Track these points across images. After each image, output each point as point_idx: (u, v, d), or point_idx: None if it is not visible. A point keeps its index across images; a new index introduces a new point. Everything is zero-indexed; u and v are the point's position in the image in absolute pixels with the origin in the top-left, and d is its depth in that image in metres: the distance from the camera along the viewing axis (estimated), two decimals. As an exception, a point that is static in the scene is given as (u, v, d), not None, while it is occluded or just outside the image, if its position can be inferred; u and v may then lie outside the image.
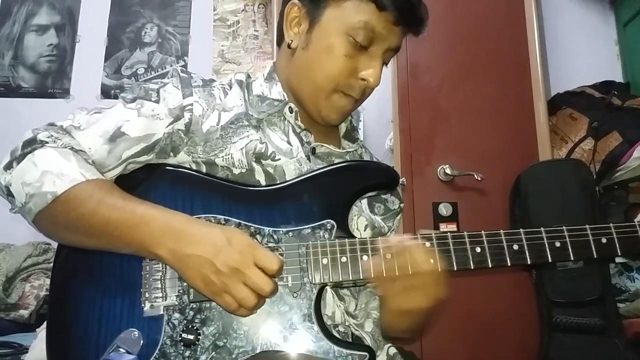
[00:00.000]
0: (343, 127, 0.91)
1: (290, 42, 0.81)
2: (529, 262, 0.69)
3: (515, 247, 0.69)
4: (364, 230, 0.82)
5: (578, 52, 1.97)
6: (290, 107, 0.82)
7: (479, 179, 1.42)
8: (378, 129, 1.93)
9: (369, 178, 0.76)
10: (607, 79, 1.83)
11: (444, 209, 1.49)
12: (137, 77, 2.20)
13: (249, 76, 0.87)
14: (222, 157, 0.75)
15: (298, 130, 0.82)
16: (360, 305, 0.82)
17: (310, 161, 0.79)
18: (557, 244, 0.69)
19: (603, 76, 1.84)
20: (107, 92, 2.16)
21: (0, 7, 2.26)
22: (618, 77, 1.94)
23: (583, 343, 1.39)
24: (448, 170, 1.50)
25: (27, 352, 1.41)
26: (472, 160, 1.52)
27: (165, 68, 2.20)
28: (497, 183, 1.51)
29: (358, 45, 0.76)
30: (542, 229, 0.70)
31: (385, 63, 0.81)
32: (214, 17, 2.24)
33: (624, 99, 1.68)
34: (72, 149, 0.70)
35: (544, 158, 1.55)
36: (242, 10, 2.24)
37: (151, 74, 2.20)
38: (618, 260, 1.60)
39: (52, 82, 2.20)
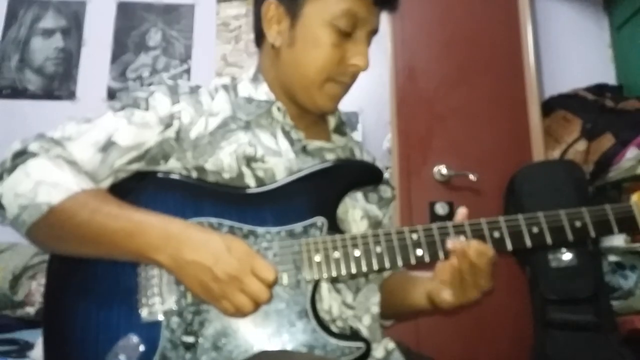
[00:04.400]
0: (332, 122, 0.91)
1: (273, 41, 0.81)
2: (509, 249, 0.71)
3: (497, 234, 0.71)
4: (360, 221, 0.82)
5: (572, 55, 1.98)
6: (277, 107, 0.82)
7: (474, 179, 1.44)
8: (376, 130, 1.96)
9: (355, 176, 0.78)
10: (601, 82, 1.84)
11: (441, 209, 1.52)
12: (142, 80, 2.23)
13: (233, 78, 0.87)
14: (212, 162, 0.75)
15: (287, 128, 0.82)
16: (360, 299, 0.83)
17: (299, 159, 0.80)
18: (535, 230, 0.71)
19: (596, 79, 1.86)
20: (112, 95, 2.18)
21: (6, 11, 2.29)
22: (611, 80, 1.95)
23: (577, 340, 1.40)
24: (444, 171, 1.52)
25: (33, 349, 1.44)
26: (468, 160, 1.54)
27: (170, 71, 2.23)
28: (492, 183, 1.53)
29: (342, 33, 0.77)
30: (519, 215, 0.71)
31: (369, 45, 0.82)
32: (216, 22, 2.26)
33: (617, 101, 1.70)
34: (64, 159, 0.69)
35: (538, 159, 1.57)
36: (244, 15, 2.26)
37: (156, 77, 2.23)
38: (612, 258, 1.63)
39: (59, 85, 2.23)
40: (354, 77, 0.83)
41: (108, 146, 0.72)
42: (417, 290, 0.80)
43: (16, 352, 1.48)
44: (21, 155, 0.67)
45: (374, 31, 0.82)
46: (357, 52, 0.78)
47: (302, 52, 0.79)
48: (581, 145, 1.64)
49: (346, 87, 0.83)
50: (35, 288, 1.76)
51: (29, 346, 1.48)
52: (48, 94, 2.21)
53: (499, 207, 1.54)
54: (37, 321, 1.71)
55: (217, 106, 0.80)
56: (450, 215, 1.51)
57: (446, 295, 0.73)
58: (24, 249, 1.79)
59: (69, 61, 2.25)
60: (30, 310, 1.74)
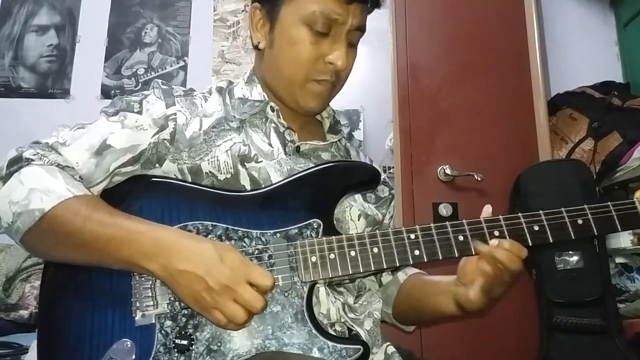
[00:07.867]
0: (327, 123, 0.93)
1: (257, 43, 0.84)
2: None
3: (496, 233, 0.71)
4: (358, 220, 0.83)
5: (578, 52, 1.97)
6: (271, 107, 0.84)
7: (479, 179, 1.42)
8: (378, 129, 1.93)
9: (352, 178, 0.78)
10: (607, 79, 1.82)
11: (444, 210, 1.49)
12: (137, 77, 2.20)
13: (230, 82, 0.89)
14: (208, 160, 0.76)
15: (282, 129, 0.84)
16: (363, 302, 0.84)
17: (290, 159, 0.81)
18: (536, 228, 0.71)
19: (603, 76, 1.84)
20: (107, 93, 2.17)
21: (0, 7, 2.27)
22: (618, 78, 1.94)
23: (583, 343, 1.39)
24: (448, 171, 1.50)
25: (27, 353, 1.41)
26: (472, 160, 1.52)
27: (166, 68, 2.20)
28: (497, 183, 1.51)
29: (318, 33, 0.78)
30: (520, 214, 0.71)
31: (353, 44, 0.83)
32: (214, 18, 2.24)
33: (624, 99, 1.68)
34: (58, 165, 0.70)
35: (544, 158, 1.54)
36: (242, 11, 2.24)
37: (151, 75, 2.20)
38: (618, 260, 1.61)
39: (52, 83, 2.20)
40: (338, 77, 0.83)
41: (103, 149, 0.73)
42: (444, 296, 0.79)
43: (10, 355, 1.46)
44: (16, 163, 0.68)
45: (357, 29, 0.82)
46: (333, 50, 0.79)
47: (280, 53, 0.81)
48: (588, 145, 1.61)
49: (330, 87, 0.83)
50: (29, 291, 1.74)
51: (22, 350, 1.46)
52: (42, 92, 2.19)
53: (504, 208, 1.52)
54: (31, 324, 1.69)
55: (211, 108, 0.82)
56: (453, 217, 1.48)
57: (473, 296, 0.71)
58: (17, 251, 1.77)
59: (63, 58, 2.22)
60: (24, 313, 1.72)
